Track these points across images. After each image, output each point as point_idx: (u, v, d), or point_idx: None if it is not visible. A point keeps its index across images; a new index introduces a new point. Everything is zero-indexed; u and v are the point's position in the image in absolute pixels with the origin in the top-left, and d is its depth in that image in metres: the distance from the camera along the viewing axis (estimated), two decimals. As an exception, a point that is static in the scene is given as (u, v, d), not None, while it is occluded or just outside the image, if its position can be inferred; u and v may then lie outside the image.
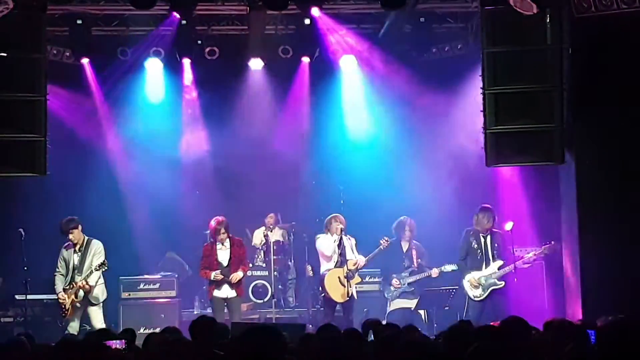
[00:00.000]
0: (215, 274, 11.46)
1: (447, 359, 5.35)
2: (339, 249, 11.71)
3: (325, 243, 11.90)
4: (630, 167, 10.73)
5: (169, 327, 8.18)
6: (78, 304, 11.29)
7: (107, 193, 13.58)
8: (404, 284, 11.97)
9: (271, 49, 13.53)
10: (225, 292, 11.52)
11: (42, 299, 12.26)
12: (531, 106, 10.76)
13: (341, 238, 11.72)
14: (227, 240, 11.58)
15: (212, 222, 11.59)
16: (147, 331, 10.76)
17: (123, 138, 14.12)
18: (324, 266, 11.94)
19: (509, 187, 12.85)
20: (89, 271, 11.22)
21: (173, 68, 13.92)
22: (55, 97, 11.92)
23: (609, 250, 10.62)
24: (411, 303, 11.92)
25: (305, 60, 13.87)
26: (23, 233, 11.59)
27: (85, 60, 13.50)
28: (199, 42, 13.30)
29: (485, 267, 11.55)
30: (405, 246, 12.14)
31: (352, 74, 14.26)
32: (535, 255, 11.67)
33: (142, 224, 13.91)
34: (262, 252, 14.04)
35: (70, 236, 11.34)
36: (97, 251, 11.35)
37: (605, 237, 10.65)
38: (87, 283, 11.20)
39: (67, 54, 13.43)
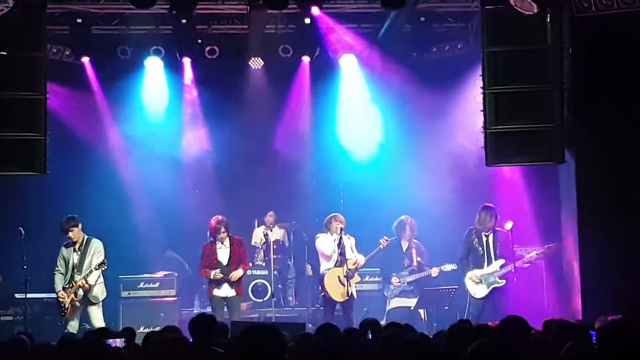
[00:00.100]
0: (215, 273, 11.45)
1: (447, 359, 5.34)
2: (338, 248, 11.70)
3: (325, 242, 11.88)
4: (630, 167, 10.74)
5: (168, 325, 8.18)
6: (77, 303, 11.27)
7: (107, 192, 13.55)
8: (403, 283, 11.98)
9: (271, 48, 13.54)
10: (225, 291, 11.51)
11: (42, 298, 12.24)
12: (531, 106, 10.76)
13: (341, 237, 11.70)
14: (227, 239, 11.58)
15: (212, 221, 11.58)
16: (146, 330, 10.74)
17: (123, 137, 14.11)
18: (324, 265, 11.92)
19: (508, 186, 12.83)
20: (88, 270, 11.19)
21: (173, 67, 13.92)
22: (55, 96, 11.94)
23: (609, 250, 10.62)
24: (411, 302, 11.92)
25: (306, 59, 13.88)
26: (23, 232, 11.56)
27: (85, 59, 13.50)
28: (199, 41, 13.30)
29: (487, 266, 11.55)
30: (405, 245, 12.14)
31: (352, 74, 14.26)
32: (536, 255, 11.67)
33: (142, 222, 13.91)
34: (262, 251, 14.05)
35: (70, 234, 11.30)
36: (96, 250, 11.32)
37: (605, 236, 10.66)
38: (86, 282, 11.17)
39: (67, 52, 13.43)
